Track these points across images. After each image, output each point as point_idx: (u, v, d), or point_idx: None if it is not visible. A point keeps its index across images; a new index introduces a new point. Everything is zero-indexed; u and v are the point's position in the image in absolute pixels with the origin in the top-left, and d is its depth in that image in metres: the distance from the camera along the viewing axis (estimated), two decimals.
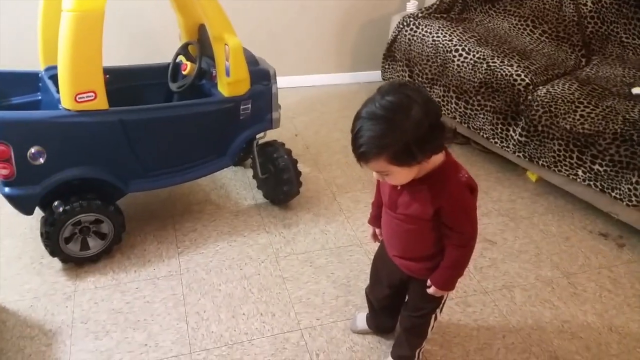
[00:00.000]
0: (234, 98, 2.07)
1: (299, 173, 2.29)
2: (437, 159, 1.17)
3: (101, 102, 1.79)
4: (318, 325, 1.79)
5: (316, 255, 2.12)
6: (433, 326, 1.52)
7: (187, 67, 2.19)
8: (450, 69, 2.70)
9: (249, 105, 2.12)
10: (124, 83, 2.23)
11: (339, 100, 3.54)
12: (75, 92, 1.71)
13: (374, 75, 3.58)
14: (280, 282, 1.96)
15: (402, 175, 1.14)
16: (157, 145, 1.98)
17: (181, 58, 2.27)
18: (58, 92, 1.77)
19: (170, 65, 2.28)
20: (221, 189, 2.48)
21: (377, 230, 1.51)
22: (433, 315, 1.49)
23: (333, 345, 1.72)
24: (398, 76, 3.08)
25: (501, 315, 1.89)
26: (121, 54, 2.74)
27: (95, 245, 1.96)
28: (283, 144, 2.30)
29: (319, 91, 3.66)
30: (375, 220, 1.50)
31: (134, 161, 1.95)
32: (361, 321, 1.77)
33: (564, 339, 1.81)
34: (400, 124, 1.05)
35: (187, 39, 2.27)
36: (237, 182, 2.54)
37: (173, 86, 2.24)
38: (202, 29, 2.18)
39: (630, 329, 1.87)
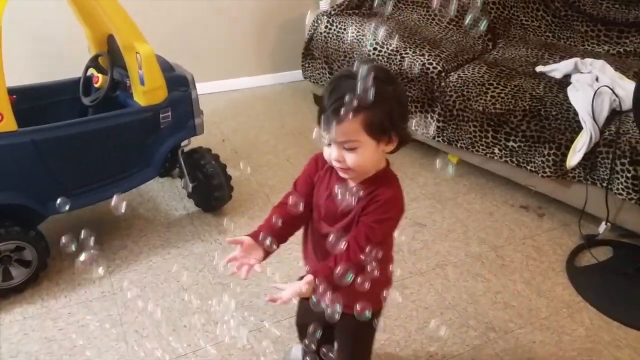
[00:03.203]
0: (152, 107, 2.02)
1: (229, 177, 2.27)
2: (383, 161, 1.12)
3: (9, 124, 1.70)
4: (263, 327, 1.79)
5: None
6: None
7: (99, 80, 2.11)
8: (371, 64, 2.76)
9: (169, 113, 2.07)
10: (34, 102, 2.13)
11: (263, 102, 3.54)
12: None
13: (296, 75, 3.60)
14: (221, 290, 1.94)
15: (368, 152, 1.03)
16: (74, 162, 1.90)
17: (92, 71, 2.18)
18: None
19: (82, 79, 2.19)
20: (149, 202, 2.42)
21: (256, 256, 1.12)
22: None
23: (279, 344, 1.72)
24: (319, 74, 3.12)
25: (437, 293, 1.97)
26: (27, 72, 2.60)
27: (18, 274, 1.85)
28: (209, 150, 2.27)
29: (242, 95, 3.64)
30: (270, 229, 1.14)
31: (51, 182, 1.86)
32: (296, 354, 1.64)
33: (497, 309, 1.91)
34: (387, 88, 1.00)
35: (97, 50, 2.19)
36: (166, 194, 2.48)
37: (86, 100, 2.15)
38: (111, 39, 2.11)
39: (556, 293, 2.00)
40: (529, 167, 2.32)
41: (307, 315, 1.35)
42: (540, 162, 2.26)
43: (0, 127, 1.67)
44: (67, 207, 1.93)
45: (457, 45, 2.78)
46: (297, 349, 1.64)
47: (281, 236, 1.16)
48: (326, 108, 1.01)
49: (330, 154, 1.06)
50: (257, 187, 2.56)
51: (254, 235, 1.14)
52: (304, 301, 1.29)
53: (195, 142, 2.28)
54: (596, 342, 1.79)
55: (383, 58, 2.68)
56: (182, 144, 2.22)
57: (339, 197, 1.09)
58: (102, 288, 1.93)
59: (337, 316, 1.03)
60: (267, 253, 1.14)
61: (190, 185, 2.24)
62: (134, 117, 2.01)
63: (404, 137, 1.08)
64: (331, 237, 1.06)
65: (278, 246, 1.15)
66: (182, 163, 2.22)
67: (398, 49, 2.65)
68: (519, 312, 1.90)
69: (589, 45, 2.77)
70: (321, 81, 3.12)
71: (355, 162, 1.04)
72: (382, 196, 1.07)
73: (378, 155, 1.07)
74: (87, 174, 1.95)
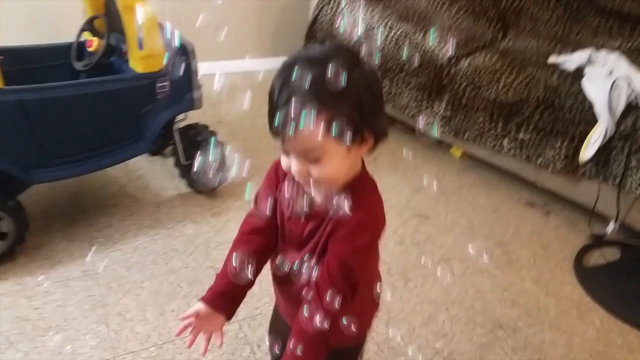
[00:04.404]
0: (149, 75, 1.88)
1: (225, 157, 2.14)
2: (357, 163, 0.87)
3: None
4: (257, 314, 1.66)
5: None
6: None
7: (94, 44, 1.97)
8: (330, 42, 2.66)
9: (167, 84, 1.94)
10: (22, 65, 1.97)
11: (262, 86, 3.38)
12: None
13: None
14: (212, 274, 1.78)
15: (337, 160, 0.79)
16: (62, 128, 1.75)
17: (86, 35, 2.04)
18: None
19: (75, 43, 2.04)
20: (138, 180, 2.27)
21: (216, 324, 0.97)
22: None
23: None
24: None
25: (442, 287, 1.86)
26: (16, 34, 2.44)
27: None
28: (206, 127, 2.14)
29: (240, 78, 3.48)
30: (226, 285, 0.97)
31: (36, 148, 1.71)
32: None
33: (505, 306, 1.81)
34: (353, 74, 0.75)
35: (93, 13, 2.04)
36: (156, 173, 2.34)
37: (78, 65, 2.00)
38: (109, 2, 1.96)
39: (565, 292, 1.91)
40: (538, 161, 2.22)
41: (278, 323, 1.15)
42: (551, 156, 2.17)
43: None
44: (50, 177, 1.82)
45: (466, 33, 2.67)
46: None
47: (246, 283, 0.95)
48: (275, 108, 0.77)
49: (290, 166, 0.83)
50: (254, 171, 2.40)
51: (209, 300, 0.96)
52: (278, 307, 1.15)
53: (189, 120, 2.15)
54: (608, 344, 1.71)
55: (391, 42, 2.57)
56: (178, 118, 2.09)
57: (302, 218, 0.89)
58: (83, 267, 1.78)
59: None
60: (232, 310, 0.99)
61: (185, 163, 2.11)
62: (129, 84, 1.87)
63: (380, 133, 0.83)
64: (295, 270, 0.89)
65: (245, 292, 0.99)
66: (178, 139, 2.08)
67: (407, 32, 2.54)
68: (527, 310, 1.80)
69: (600, 40, 2.68)
70: None
71: (322, 175, 0.80)
72: (353, 217, 0.83)
73: (351, 160, 0.83)
74: (75, 142, 1.81)
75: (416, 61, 2.51)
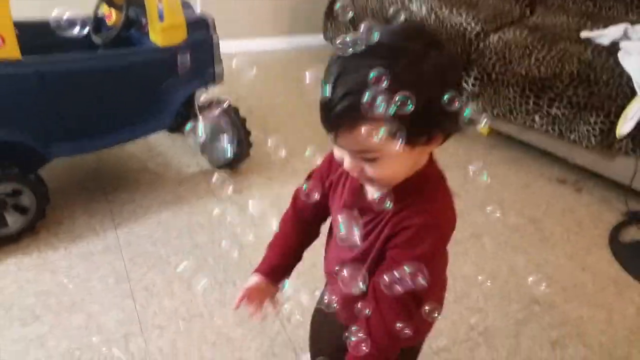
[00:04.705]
0: (170, 48, 1.83)
1: (249, 133, 2.08)
2: (423, 159, 0.76)
3: (12, 50, 1.51)
4: (286, 291, 1.61)
5: (276, 219, 1.92)
6: None
7: (113, 16, 1.92)
8: (399, 22, 2.58)
9: (188, 57, 1.88)
10: (39, 39, 1.92)
11: (280, 65, 3.33)
12: None
13: (315, 40, 3.40)
14: (238, 249, 1.75)
15: (397, 161, 0.69)
16: (81, 101, 1.70)
17: (104, 8, 1.98)
18: None
19: (93, 16, 1.99)
20: (159, 157, 2.23)
21: (269, 295, 0.96)
22: None
23: (307, 313, 1.55)
24: (341, 34, 2.93)
25: (474, 264, 1.80)
26: (32, 9, 2.39)
27: (14, 221, 1.67)
28: (227, 101, 2.08)
29: (256, 56, 3.44)
30: (276, 265, 0.97)
31: (55, 121, 1.67)
32: None
33: (540, 282, 1.74)
34: (420, 64, 0.64)
35: None
36: (177, 149, 2.29)
37: (97, 39, 1.95)
38: None
39: (601, 268, 1.84)
40: (572, 137, 2.14)
41: (320, 334, 1.11)
42: (585, 131, 2.09)
43: (1, 52, 1.48)
44: (70, 151, 1.78)
45: (494, 9, 2.59)
46: (307, 358, 1.29)
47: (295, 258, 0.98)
48: (328, 104, 0.66)
49: (343, 160, 0.73)
50: (275, 149, 2.37)
51: (265, 273, 0.96)
52: (318, 314, 1.11)
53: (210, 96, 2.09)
54: None
55: (417, 17, 2.50)
56: (199, 93, 2.03)
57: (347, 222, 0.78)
58: (106, 242, 1.74)
59: None
60: (282, 281, 0.96)
61: (204, 137, 2.06)
62: (149, 57, 1.82)
63: (451, 129, 0.71)
64: (344, 281, 0.77)
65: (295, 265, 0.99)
66: (198, 114, 2.03)
67: (433, 6, 2.46)
68: (563, 286, 1.74)
69: (633, 16, 2.59)
70: None
71: (379, 175, 0.71)
72: (414, 219, 0.73)
73: (413, 160, 0.73)
74: (94, 116, 1.76)
75: (443, 35, 2.43)
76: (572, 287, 1.74)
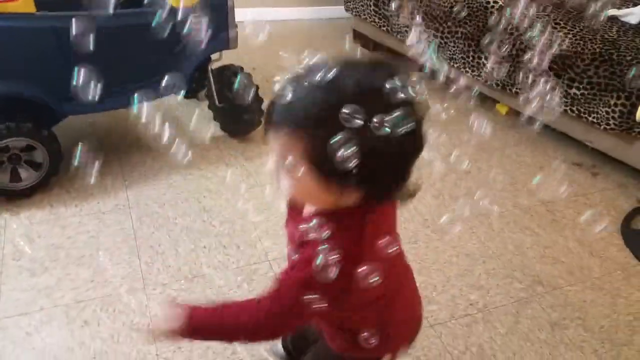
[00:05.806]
0: (184, 10, 1.81)
1: (261, 100, 2.08)
2: (344, 204, 0.69)
3: (27, 3, 1.52)
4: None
5: None
6: None
7: None
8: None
9: (202, 19, 1.87)
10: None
11: (301, 36, 3.31)
12: None
13: (336, 11, 3.36)
14: (244, 214, 1.77)
15: (309, 187, 0.67)
16: (95, 59, 1.71)
17: None
18: None
19: None
20: (172, 122, 2.24)
21: None
22: None
23: None
24: (362, 6, 2.88)
25: (479, 242, 1.79)
26: None
27: (28, 176, 1.71)
28: (242, 68, 2.08)
29: (277, 26, 3.41)
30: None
31: (69, 78, 1.68)
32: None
33: (545, 263, 1.72)
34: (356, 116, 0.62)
35: None
36: (191, 115, 2.31)
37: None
38: None
39: (610, 253, 1.81)
40: (590, 118, 2.09)
41: None
42: (604, 113, 2.03)
43: (15, 6, 1.50)
44: (84, 109, 1.80)
45: None
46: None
47: None
48: (275, 101, 0.68)
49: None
50: None
51: (193, 324, 0.78)
52: None
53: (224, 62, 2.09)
54: None
55: None
56: (213, 58, 2.03)
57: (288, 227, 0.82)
58: (116, 201, 1.78)
59: None
60: None
61: (219, 105, 2.07)
62: (165, 17, 1.81)
63: (375, 195, 0.69)
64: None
65: None
66: (212, 79, 2.04)
67: None
68: (569, 269, 1.72)
69: None
70: (364, 14, 2.89)
71: (287, 189, 0.71)
72: (307, 247, 0.71)
73: (332, 195, 0.68)
74: (108, 75, 1.77)
75: (464, 11, 2.38)
76: (579, 270, 1.72)
